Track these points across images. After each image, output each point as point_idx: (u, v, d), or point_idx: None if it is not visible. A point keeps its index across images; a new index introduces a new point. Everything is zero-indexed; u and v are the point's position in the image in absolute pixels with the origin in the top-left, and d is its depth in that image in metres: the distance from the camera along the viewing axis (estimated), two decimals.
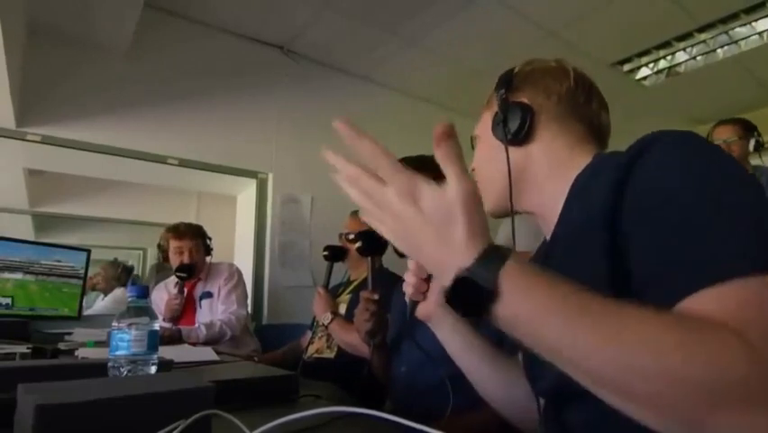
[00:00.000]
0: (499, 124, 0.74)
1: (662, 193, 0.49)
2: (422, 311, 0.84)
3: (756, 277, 0.40)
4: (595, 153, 0.71)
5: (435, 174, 0.48)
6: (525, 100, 0.74)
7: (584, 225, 0.58)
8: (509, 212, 0.76)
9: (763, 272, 0.40)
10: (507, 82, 0.77)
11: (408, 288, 0.84)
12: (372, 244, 1.49)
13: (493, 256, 0.44)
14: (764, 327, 0.38)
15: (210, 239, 2.47)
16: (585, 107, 0.75)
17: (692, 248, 0.44)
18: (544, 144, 0.73)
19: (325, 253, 1.94)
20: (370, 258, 1.50)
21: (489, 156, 0.79)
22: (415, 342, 1.24)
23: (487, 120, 0.80)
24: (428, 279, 0.83)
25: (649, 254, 0.48)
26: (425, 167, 0.91)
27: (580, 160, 0.70)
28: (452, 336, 0.83)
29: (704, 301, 0.41)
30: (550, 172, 0.72)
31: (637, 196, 0.51)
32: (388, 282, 1.51)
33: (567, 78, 0.75)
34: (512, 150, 0.73)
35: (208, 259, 2.44)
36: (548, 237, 0.73)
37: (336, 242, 2.10)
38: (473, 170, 0.83)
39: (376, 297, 1.36)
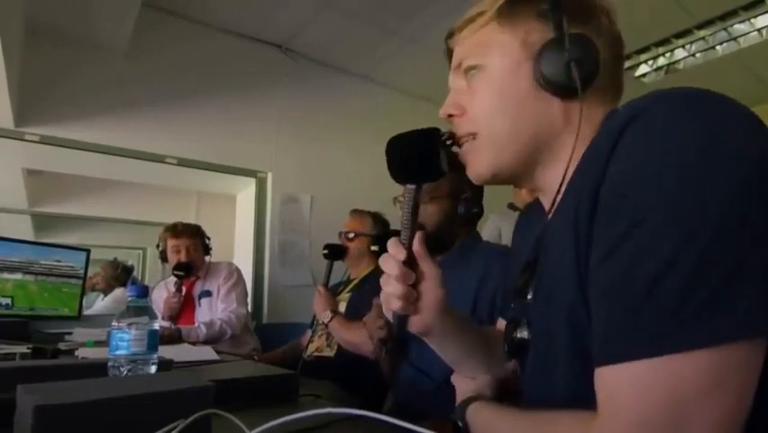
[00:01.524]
0: (562, 64, 0.52)
1: (623, 225, 0.40)
2: (417, 325, 0.65)
3: (668, 357, 0.36)
4: (609, 111, 0.57)
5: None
6: (586, 33, 0.54)
7: (567, 227, 0.49)
8: (515, 179, 0.61)
9: (686, 350, 0.36)
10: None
11: (394, 301, 0.62)
12: None
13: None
14: (622, 421, 0.39)
15: (209, 238, 2.47)
16: (622, 59, 0.59)
17: (622, 312, 0.40)
18: (589, 101, 0.54)
19: (325, 251, 1.95)
20: None
21: (513, 101, 0.57)
22: (410, 363, 1.23)
23: (505, 44, 0.57)
24: (416, 283, 0.63)
25: (594, 302, 0.44)
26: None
27: (598, 123, 0.55)
28: (451, 344, 0.71)
29: (603, 380, 0.41)
30: (579, 139, 0.54)
31: (604, 211, 0.43)
32: None
33: (610, 16, 0.57)
34: (546, 101, 0.55)
35: (207, 258, 2.44)
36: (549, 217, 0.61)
37: (336, 241, 2.10)
38: (451, 115, 0.63)
39: None
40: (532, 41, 0.56)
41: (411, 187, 0.62)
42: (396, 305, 0.63)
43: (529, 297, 0.62)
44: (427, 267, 0.63)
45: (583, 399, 0.43)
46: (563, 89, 0.53)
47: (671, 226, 0.38)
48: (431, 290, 0.63)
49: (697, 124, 0.39)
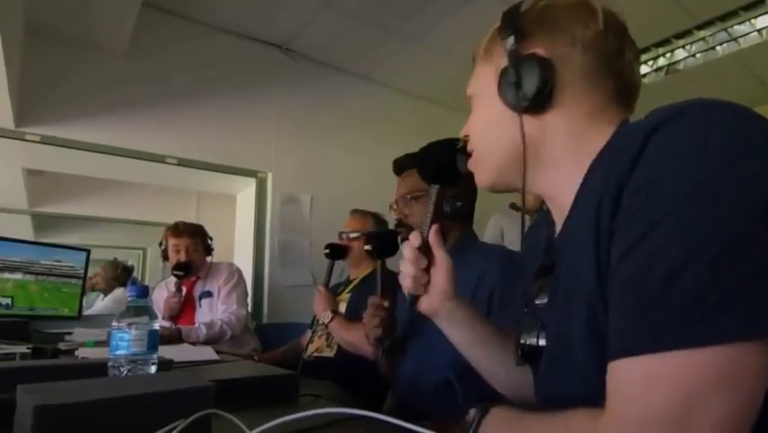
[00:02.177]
0: (510, 87, 0.58)
1: (643, 225, 0.42)
2: (425, 305, 0.76)
3: (677, 352, 0.37)
4: (621, 120, 0.59)
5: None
6: (541, 51, 0.57)
7: (586, 229, 0.50)
8: (512, 187, 0.66)
9: (699, 346, 0.37)
10: (515, 25, 0.59)
11: (407, 280, 0.75)
12: (383, 246, 1.45)
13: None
14: (623, 416, 0.40)
15: (211, 239, 2.47)
16: (617, 59, 0.59)
17: (637, 307, 0.41)
18: (567, 111, 0.58)
19: (326, 251, 1.94)
20: (379, 261, 1.45)
21: (490, 123, 0.64)
22: (408, 362, 1.22)
23: (486, 76, 0.63)
24: (428, 268, 0.75)
25: (611, 300, 0.45)
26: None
27: (605, 129, 0.56)
28: (460, 329, 0.77)
29: (613, 373, 0.42)
30: (570, 147, 0.58)
31: (625, 213, 0.45)
32: (392, 283, 1.50)
33: (594, 18, 0.58)
34: (517, 119, 0.58)
35: (209, 259, 2.43)
36: (558, 228, 0.62)
37: (336, 241, 2.10)
38: (467, 136, 0.70)
39: (386, 303, 1.33)
40: (501, 67, 0.61)
41: (435, 186, 0.80)
42: (406, 284, 0.75)
43: (545, 300, 0.62)
44: (439, 255, 0.75)
45: (600, 402, 0.43)
46: (522, 108, 0.58)
47: (687, 229, 0.39)
48: (440, 275, 0.75)
49: (721, 135, 0.41)
